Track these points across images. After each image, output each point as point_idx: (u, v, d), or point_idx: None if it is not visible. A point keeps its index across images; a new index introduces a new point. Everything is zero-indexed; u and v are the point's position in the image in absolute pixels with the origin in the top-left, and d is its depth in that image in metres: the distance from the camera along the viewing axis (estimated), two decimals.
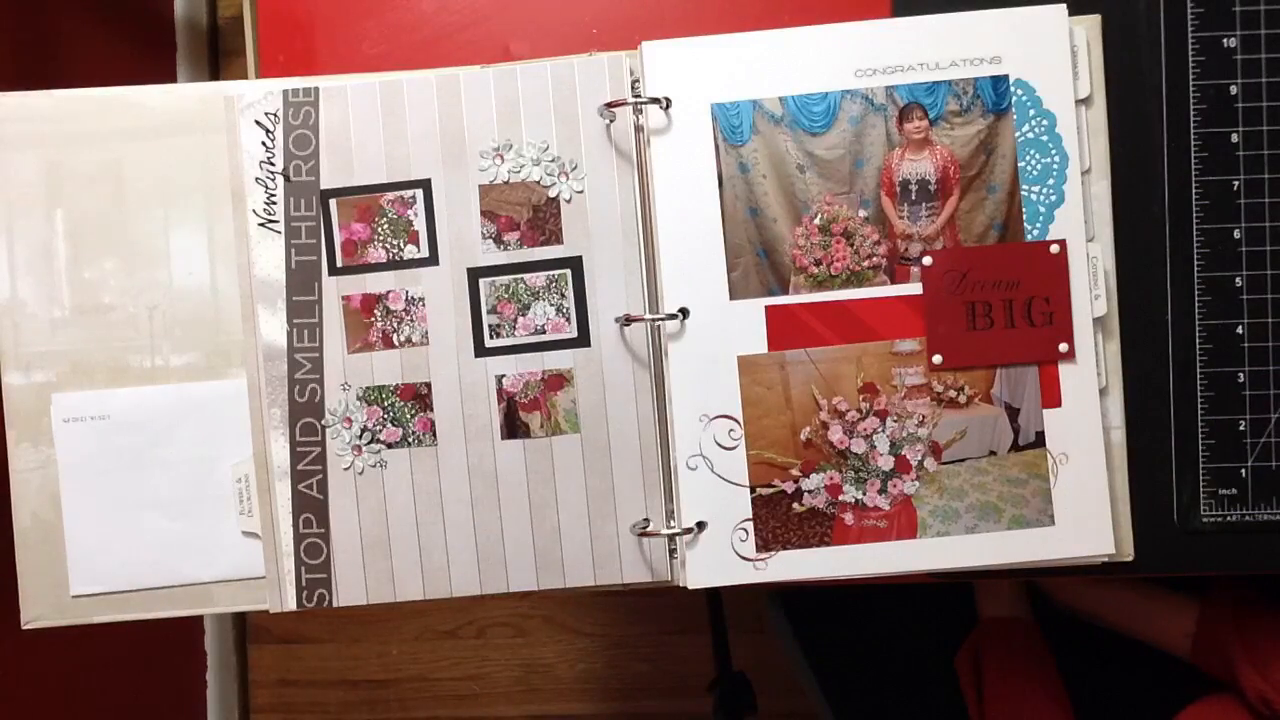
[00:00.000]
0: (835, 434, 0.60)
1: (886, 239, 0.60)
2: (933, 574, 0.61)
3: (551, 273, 0.61)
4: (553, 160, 0.61)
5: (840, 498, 0.60)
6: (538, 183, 0.61)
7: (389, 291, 0.61)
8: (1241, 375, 0.60)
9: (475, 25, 0.64)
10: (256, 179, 0.61)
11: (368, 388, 0.61)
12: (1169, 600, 0.78)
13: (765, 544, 0.60)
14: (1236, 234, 0.60)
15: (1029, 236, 0.59)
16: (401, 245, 0.61)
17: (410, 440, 0.61)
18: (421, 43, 0.65)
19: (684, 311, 0.60)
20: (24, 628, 0.61)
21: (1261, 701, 0.67)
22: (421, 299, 0.62)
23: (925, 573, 0.61)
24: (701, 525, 0.60)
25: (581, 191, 0.61)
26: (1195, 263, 0.60)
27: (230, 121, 0.61)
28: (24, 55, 1.10)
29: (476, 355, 0.61)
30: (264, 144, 0.61)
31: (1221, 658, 0.70)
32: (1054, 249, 0.59)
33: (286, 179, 0.61)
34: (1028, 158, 0.59)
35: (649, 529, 0.60)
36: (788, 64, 0.60)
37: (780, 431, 0.60)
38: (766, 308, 0.60)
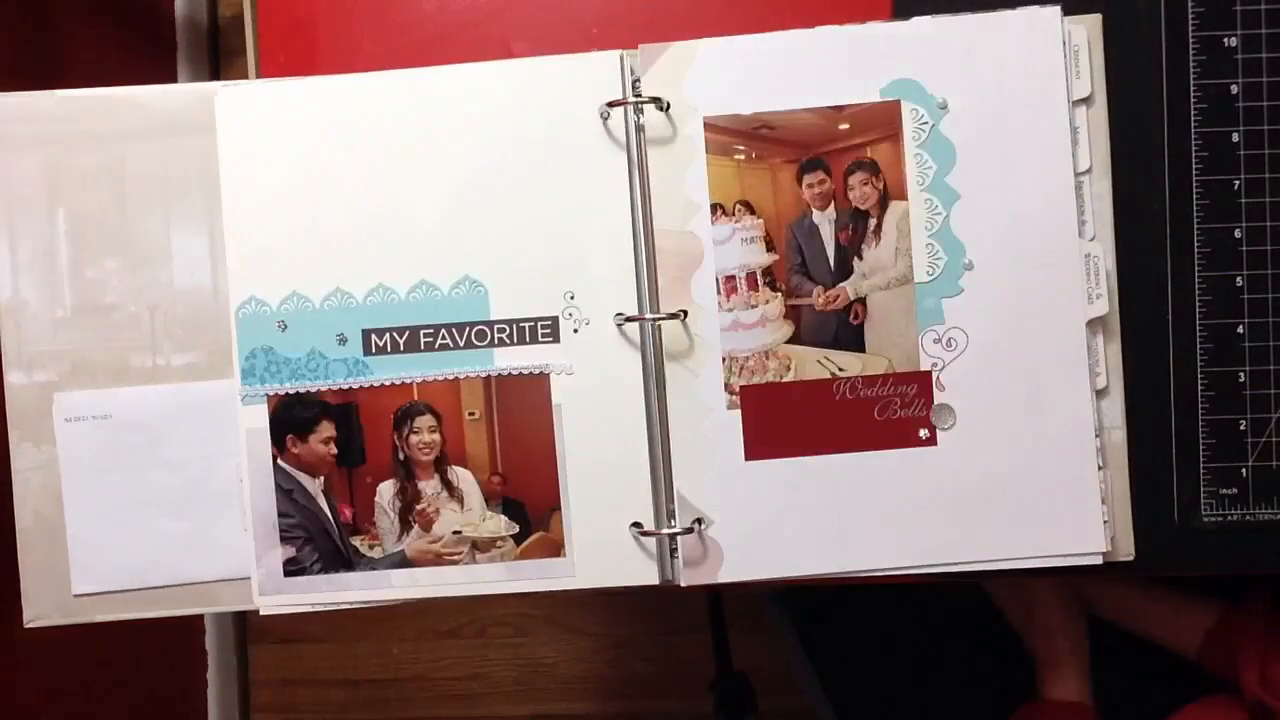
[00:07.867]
0: None
1: None
2: (927, 573, 0.61)
3: None
4: None
5: None
6: None
7: None
8: (1242, 375, 0.60)
9: (476, 25, 0.64)
10: None
11: None
12: (1184, 598, 0.77)
13: None
14: (1237, 233, 0.60)
15: None
16: None
17: None
18: (422, 42, 0.65)
19: (684, 311, 0.60)
20: (26, 627, 0.61)
21: (1257, 704, 0.67)
22: None
23: (917, 571, 0.60)
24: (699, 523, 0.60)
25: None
26: (1196, 262, 0.60)
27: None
28: (24, 55, 1.10)
29: None
30: None
31: (1232, 659, 0.70)
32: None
33: None
34: None
35: (648, 528, 0.60)
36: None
37: None
38: None
